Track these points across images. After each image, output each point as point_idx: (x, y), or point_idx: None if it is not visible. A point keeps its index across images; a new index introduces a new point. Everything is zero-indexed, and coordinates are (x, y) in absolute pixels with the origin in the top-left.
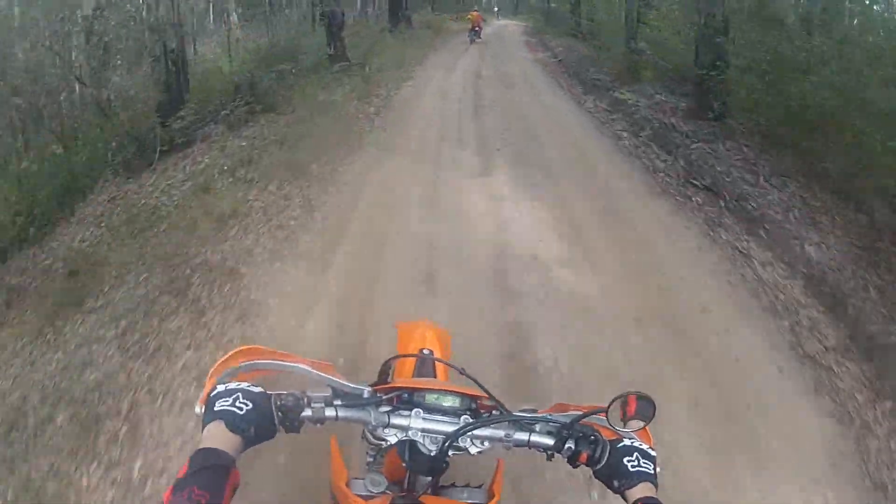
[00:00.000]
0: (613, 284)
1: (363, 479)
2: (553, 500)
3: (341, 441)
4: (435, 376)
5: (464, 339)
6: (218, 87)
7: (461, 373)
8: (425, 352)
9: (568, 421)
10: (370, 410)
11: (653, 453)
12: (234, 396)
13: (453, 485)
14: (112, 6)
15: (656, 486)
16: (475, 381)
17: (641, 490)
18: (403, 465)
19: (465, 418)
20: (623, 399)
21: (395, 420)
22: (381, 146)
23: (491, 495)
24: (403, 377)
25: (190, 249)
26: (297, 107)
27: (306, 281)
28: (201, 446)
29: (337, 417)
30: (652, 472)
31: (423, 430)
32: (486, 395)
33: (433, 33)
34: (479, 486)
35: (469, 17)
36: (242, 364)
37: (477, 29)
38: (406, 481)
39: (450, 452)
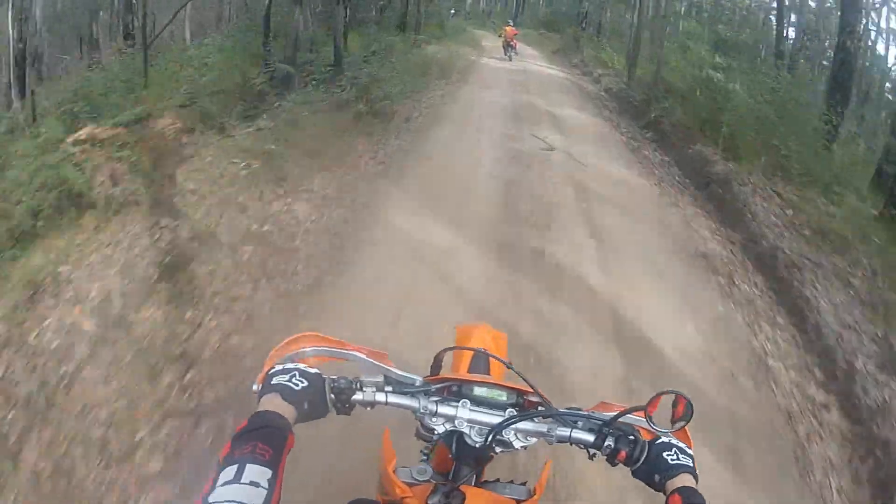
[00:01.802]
0: None
1: (410, 468)
2: None
3: (395, 437)
4: (488, 373)
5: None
6: None
7: (508, 366)
8: (481, 351)
9: (608, 419)
10: (419, 398)
11: (690, 451)
12: (290, 374)
13: (498, 480)
14: None
15: (696, 478)
16: (521, 377)
17: (681, 480)
18: (450, 455)
19: (511, 412)
20: (662, 398)
21: (443, 409)
22: None
23: (532, 493)
24: (459, 372)
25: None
26: None
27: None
28: (259, 410)
29: (387, 402)
30: (691, 465)
31: (469, 421)
32: (533, 391)
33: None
34: (523, 484)
35: (503, 31)
36: (301, 349)
37: (513, 44)
38: (451, 472)
39: (495, 445)
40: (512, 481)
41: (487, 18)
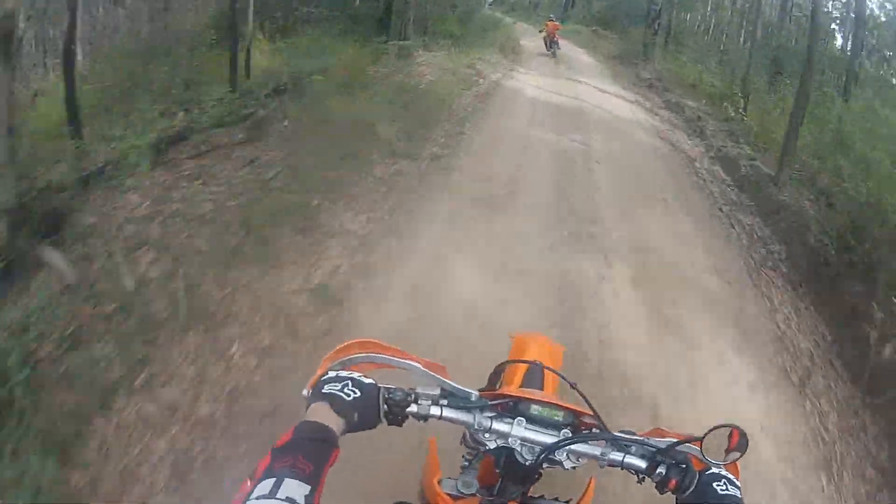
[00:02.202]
0: None
1: (455, 479)
2: None
3: (441, 445)
4: (542, 388)
5: None
6: None
7: (572, 386)
8: (536, 363)
9: (663, 446)
10: (475, 414)
11: (738, 483)
12: (343, 383)
13: (542, 497)
14: None
15: None
16: (584, 397)
17: None
18: (497, 471)
19: (566, 432)
20: (718, 430)
21: (497, 426)
22: None
23: None
24: (512, 385)
25: None
26: None
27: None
28: (306, 419)
29: (441, 416)
30: (739, 497)
31: (522, 439)
32: (591, 412)
33: None
34: (567, 502)
35: (544, 27)
36: (357, 355)
37: (556, 39)
38: (497, 487)
39: (544, 464)
40: (557, 498)
41: (534, 10)
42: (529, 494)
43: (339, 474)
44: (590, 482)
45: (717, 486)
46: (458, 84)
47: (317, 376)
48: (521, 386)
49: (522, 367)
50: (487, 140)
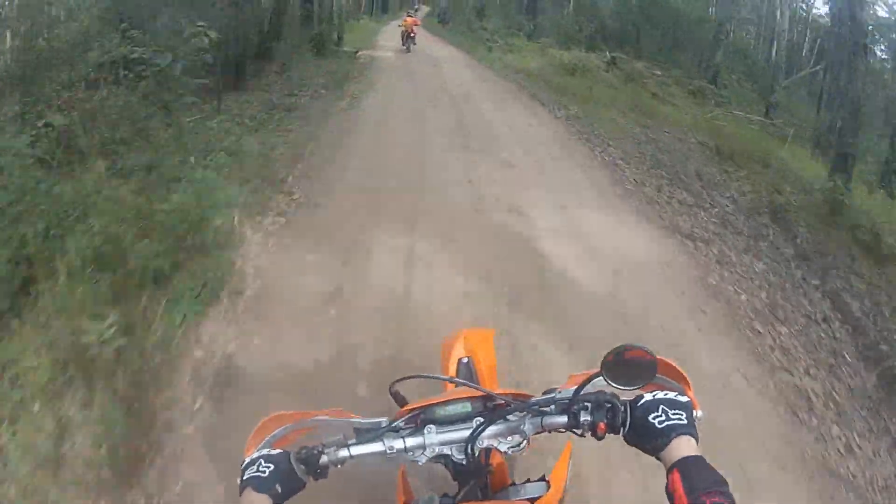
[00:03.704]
0: None
1: (419, 499)
2: None
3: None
4: (478, 380)
5: None
6: None
7: (451, 381)
8: (463, 361)
9: (571, 394)
10: (384, 440)
11: (684, 399)
12: (257, 463)
13: (512, 483)
14: None
15: (696, 436)
16: (467, 384)
17: (677, 447)
18: (451, 478)
19: (478, 420)
20: (615, 355)
21: (411, 442)
22: None
23: (549, 486)
24: (442, 392)
25: None
26: None
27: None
28: None
29: (351, 456)
30: (685, 421)
31: (441, 443)
32: (486, 394)
33: None
34: (541, 479)
35: (403, 22)
36: (275, 432)
37: (412, 35)
38: (460, 493)
39: (492, 454)
40: (528, 479)
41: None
42: (509, 483)
43: None
44: (566, 448)
45: (654, 417)
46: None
47: (241, 464)
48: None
49: (452, 370)
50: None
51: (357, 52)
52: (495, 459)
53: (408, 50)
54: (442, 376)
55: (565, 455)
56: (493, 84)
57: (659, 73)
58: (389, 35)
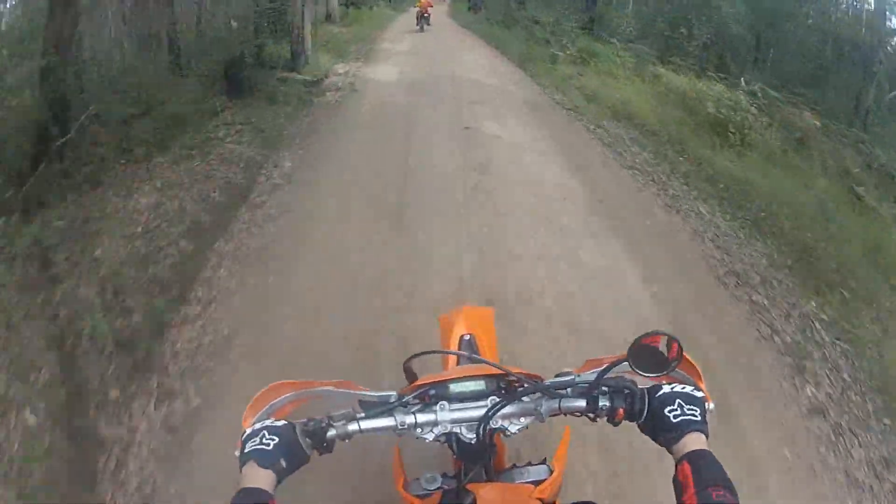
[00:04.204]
0: None
1: (420, 479)
2: None
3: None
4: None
5: None
6: None
7: (469, 358)
8: (465, 338)
9: (594, 378)
10: (395, 415)
11: (699, 395)
12: (260, 435)
13: (514, 465)
14: None
15: (706, 433)
16: (486, 362)
17: (688, 442)
18: (454, 457)
19: (493, 399)
20: (642, 341)
21: (423, 418)
22: None
23: (552, 470)
24: (449, 369)
25: None
26: None
27: None
28: (239, 487)
29: (361, 430)
30: (698, 417)
31: (453, 421)
32: (506, 372)
33: None
34: (542, 462)
35: (419, 2)
36: (272, 403)
37: (426, 15)
38: (461, 472)
39: (497, 435)
40: (530, 462)
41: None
42: (505, 467)
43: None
44: (565, 433)
45: (670, 411)
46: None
47: (241, 435)
48: (458, 366)
49: (453, 347)
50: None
51: (323, 77)
52: (497, 440)
53: (421, 30)
54: (461, 352)
55: (565, 440)
56: (607, 174)
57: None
58: (402, 27)
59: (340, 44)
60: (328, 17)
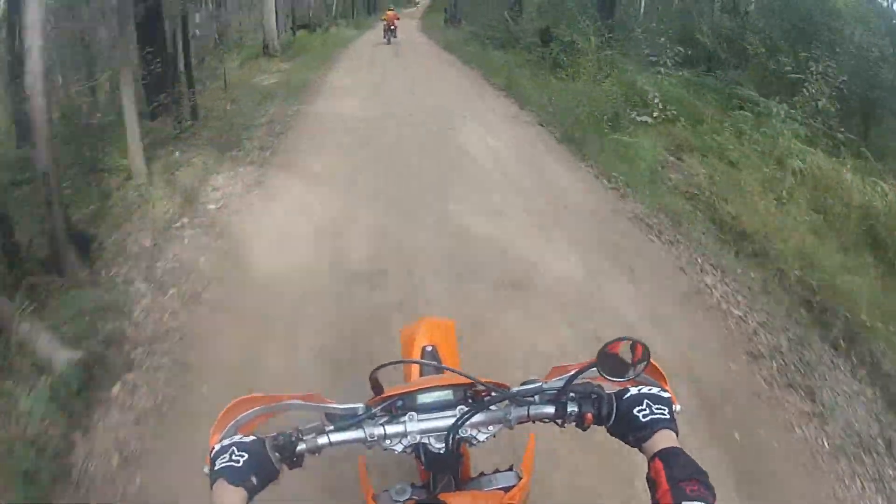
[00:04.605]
0: None
1: (389, 490)
2: None
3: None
4: (442, 372)
5: None
6: None
7: (437, 369)
8: (427, 349)
9: (562, 385)
10: (364, 427)
11: (666, 395)
12: (229, 451)
13: (482, 473)
14: None
15: (676, 430)
16: (457, 372)
17: (659, 440)
18: (423, 468)
19: (461, 408)
20: (609, 348)
21: (392, 429)
22: None
23: (520, 476)
24: (412, 380)
25: None
26: None
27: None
28: None
29: (331, 443)
30: (667, 416)
31: (421, 432)
32: (474, 381)
33: None
34: (509, 469)
35: (384, 16)
36: (238, 418)
37: (393, 27)
38: (431, 482)
39: (459, 445)
40: (497, 470)
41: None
42: (471, 476)
43: None
44: (530, 440)
45: (639, 411)
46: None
47: (209, 452)
48: (420, 377)
49: (415, 360)
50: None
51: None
52: (464, 450)
53: (388, 42)
54: (430, 362)
55: (531, 446)
56: None
57: None
58: (362, 55)
59: (247, 110)
60: (265, 50)
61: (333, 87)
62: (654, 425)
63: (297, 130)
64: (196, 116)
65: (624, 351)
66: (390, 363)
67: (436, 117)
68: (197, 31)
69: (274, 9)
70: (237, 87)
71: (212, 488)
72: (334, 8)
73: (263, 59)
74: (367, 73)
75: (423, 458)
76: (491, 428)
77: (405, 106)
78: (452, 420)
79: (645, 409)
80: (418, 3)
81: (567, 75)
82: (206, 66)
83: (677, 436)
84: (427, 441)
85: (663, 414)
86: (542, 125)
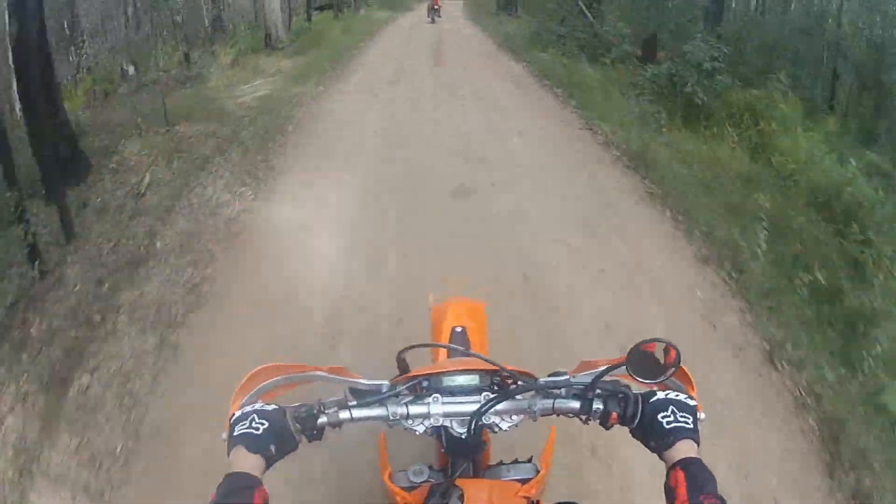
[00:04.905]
0: None
1: (407, 471)
2: None
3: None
4: (470, 354)
5: None
6: None
7: (464, 354)
8: (457, 330)
9: (590, 381)
10: (387, 405)
11: (692, 403)
12: (250, 419)
13: (501, 462)
14: None
15: (698, 441)
16: (481, 357)
17: (680, 449)
18: (443, 451)
19: (486, 395)
20: (641, 348)
21: (415, 409)
22: None
23: (538, 468)
24: (440, 360)
25: None
26: None
27: None
28: (228, 472)
29: (353, 418)
30: (691, 425)
31: (445, 415)
32: (501, 369)
33: None
34: (528, 460)
35: None
36: (261, 385)
37: (436, 7)
38: (449, 467)
39: (483, 431)
40: (517, 460)
41: None
42: (489, 464)
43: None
44: (550, 435)
45: (664, 416)
46: None
47: (229, 418)
48: (447, 359)
49: (445, 339)
50: None
51: None
52: (485, 437)
53: (432, 21)
54: (457, 346)
55: (551, 439)
56: None
57: None
58: (393, 48)
59: (177, 184)
60: (267, 41)
61: (327, 132)
62: (678, 434)
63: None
64: (69, 237)
65: (656, 352)
66: (419, 345)
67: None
68: (179, 18)
69: None
70: (202, 110)
71: (229, 454)
72: None
73: (264, 53)
74: (390, 93)
75: (443, 442)
76: (514, 417)
77: (460, 216)
78: (476, 406)
79: (669, 416)
80: None
81: (713, 133)
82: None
83: (698, 446)
84: (449, 424)
85: (687, 423)
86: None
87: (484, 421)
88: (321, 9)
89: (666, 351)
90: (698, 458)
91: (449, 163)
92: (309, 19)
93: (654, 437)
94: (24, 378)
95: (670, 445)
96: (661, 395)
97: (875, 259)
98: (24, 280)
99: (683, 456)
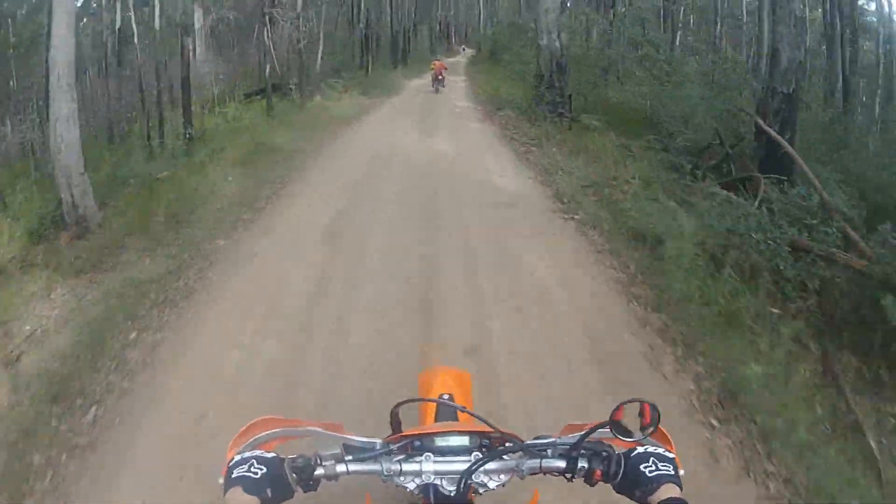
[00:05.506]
0: None
1: None
2: None
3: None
4: (456, 418)
5: None
6: None
7: (462, 410)
8: (444, 397)
9: (575, 441)
10: (381, 461)
11: (671, 455)
12: (248, 463)
13: None
14: None
15: (680, 486)
16: (479, 417)
17: (664, 492)
18: None
19: (476, 455)
20: (623, 408)
21: (407, 467)
22: None
23: None
24: (427, 424)
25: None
26: None
27: None
28: None
29: (348, 472)
30: (672, 472)
31: (436, 473)
32: (493, 430)
33: None
34: None
35: (432, 66)
36: (260, 435)
37: (440, 77)
38: None
39: (470, 490)
40: None
41: None
42: None
43: None
44: (534, 495)
45: (645, 467)
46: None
47: (226, 463)
48: (434, 421)
49: (432, 406)
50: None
51: None
52: (471, 496)
53: (436, 91)
54: (454, 404)
55: (534, 501)
56: None
57: None
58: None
59: None
60: (63, 220)
61: None
62: (661, 480)
63: None
64: None
65: (635, 412)
66: (411, 400)
67: None
68: None
69: (70, 99)
70: None
71: (225, 495)
72: (319, 60)
73: (53, 246)
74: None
75: (431, 499)
76: (503, 476)
77: None
78: (467, 464)
79: (651, 466)
80: (464, 50)
81: None
82: None
83: (681, 490)
84: (439, 482)
85: (668, 471)
86: None
87: (473, 479)
88: (249, 96)
89: (643, 411)
90: (683, 500)
91: None
92: (192, 131)
93: (638, 486)
94: None
95: (654, 491)
96: (640, 449)
97: None
98: None
99: (668, 496)
